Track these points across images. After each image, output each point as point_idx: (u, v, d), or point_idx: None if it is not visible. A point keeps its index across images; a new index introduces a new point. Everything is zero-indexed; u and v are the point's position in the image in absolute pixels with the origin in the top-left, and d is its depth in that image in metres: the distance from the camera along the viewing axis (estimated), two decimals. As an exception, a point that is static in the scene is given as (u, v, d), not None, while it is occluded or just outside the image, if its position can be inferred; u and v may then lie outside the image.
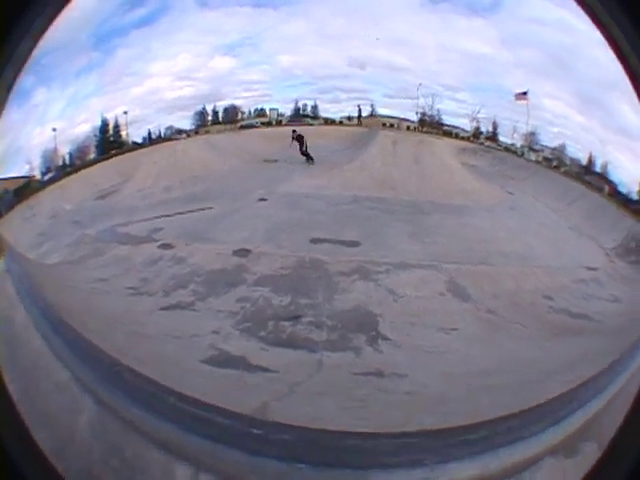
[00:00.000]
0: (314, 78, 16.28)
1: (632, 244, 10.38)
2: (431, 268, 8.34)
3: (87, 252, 9.14)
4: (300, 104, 16.89)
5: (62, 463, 2.72)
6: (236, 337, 6.21)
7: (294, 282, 7.74)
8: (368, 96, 16.71)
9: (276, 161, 15.73)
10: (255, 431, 3.48)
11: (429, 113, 16.14)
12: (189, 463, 3.22)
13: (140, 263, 8.51)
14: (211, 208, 11.37)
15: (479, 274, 8.34)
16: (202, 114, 16.31)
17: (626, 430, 2.45)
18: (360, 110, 16.93)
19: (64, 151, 12.70)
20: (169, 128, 15.46)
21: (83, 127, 13.40)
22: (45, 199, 11.57)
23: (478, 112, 15.71)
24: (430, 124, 16.29)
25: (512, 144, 15.71)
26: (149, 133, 14.99)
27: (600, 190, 12.46)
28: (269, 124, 17.07)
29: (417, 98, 15.66)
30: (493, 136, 16.03)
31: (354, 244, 9.29)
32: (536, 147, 15.11)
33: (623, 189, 11.75)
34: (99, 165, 13.65)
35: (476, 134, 16.26)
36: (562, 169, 14.20)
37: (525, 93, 14.10)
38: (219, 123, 16.65)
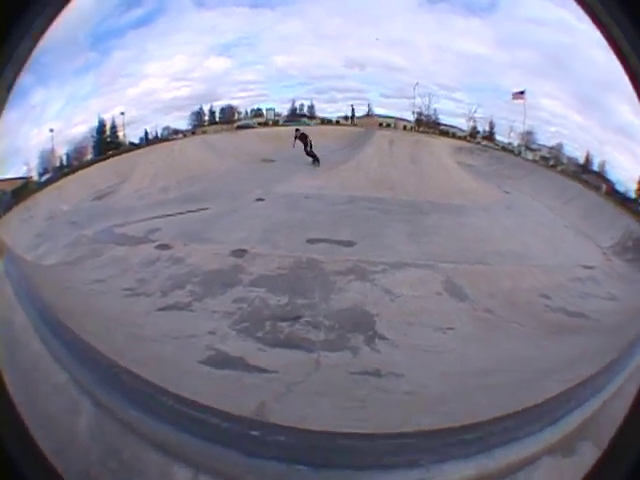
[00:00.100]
0: (310, 78, 16.33)
1: (629, 242, 10.40)
2: (428, 268, 8.36)
3: (84, 253, 9.14)
4: (297, 104, 16.93)
5: (62, 463, 2.72)
6: (233, 338, 6.21)
7: (291, 282, 7.75)
8: (365, 96, 16.79)
9: (273, 161, 15.73)
10: (253, 433, 3.49)
11: (426, 113, 16.17)
12: (187, 464, 3.22)
13: (137, 264, 8.51)
14: (208, 208, 11.38)
15: (476, 273, 8.36)
16: (199, 114, 16.34)
17: (626, 430, 2.45)
18: (353, 110, 16.97)
19: (61, 152, 12.72)
20: (166, 128, 15.48)
21: (80, 128, 13.42)
22: (42, 200, 11.55)
23: (475, 112, 15.76)
24: (427, 124, 16.31)
25: (509, 143, 15.76)
26: (146, 133, 15.00)
27: (597, 189, 12.49)
28: (266, 124, 17.08)
29: (414, 98, 15.70)
30: (490, 135, 16.08)
31: (351, 244, 9.30)
32: (533, 146, 15.15)
33: (620, 188, 11.78)
34: (96, 166, 13.66)
35: (473, 133, 16.30)
36: (559, 168, 14.22)
37: (522, 93, 14.13)
38: (216, 123, 16.67)
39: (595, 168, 12.77)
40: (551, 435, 3.47)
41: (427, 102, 15.85)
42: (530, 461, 3.29)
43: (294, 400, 4.69)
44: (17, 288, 5.05)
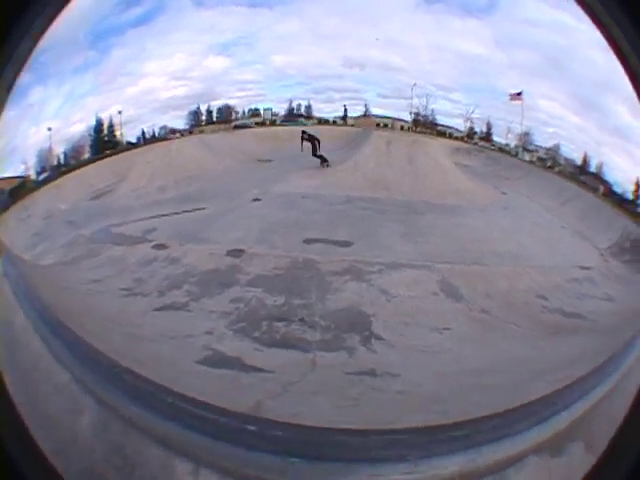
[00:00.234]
0: (308, 78, 16.25)
1: (626, 244, 10.42)
2: (424, 268, 8.37)
3: (82, 253, 9.14)
4: (294, 104, 16.91)
5: (62, 463, 2.74)
6: (230, 337, 6.23)
7: (287, 282, 7.76)
8: (362, 96, 16.73)
9: (270, 161, 15.72)
10: (250, 428, 3.52)
11: (423, 113, 16.15)
12: (188, 458, 3.25)
13: (134, 264, 8.52)
14: (205, 208, 11.38)
15: (472, 274, 8.38)
16: (196, 114, 16.27)
17: (625, 430, 2.47)
18: (346, 110, 16.95)
19: (59, 151, 12.68)
20: (163, 128, 15.41)
21: (78, 126, 13.37)
22: (40, 199, 11.52)
23: (472, 112, 15.74)
24: (424, 124, 16.29)
25: (506, 144, 15.74)
26: (143, 133, 14.94)
27: (595, 190, 12.49)
28: (263, 124, 17.07)
29: (411, 98, 15.68)
30: (487, 136, 16.06)
31: (347, 244, 9.31)
32: (530, 147, 15.13)
33: (618, 189, 11.79)
34: (94, 165, 13.60)
35: (470, 134, 16.28)
36: (556, 169, 14.22)
37: (519, 93, 14.12)
38: (213, 123, 16.62)
39: (593, 169, 12.76)
40: (539, 434, 3.49)
41: (425, 102, 15.84)
42: (518, 459, 3.31)
43: (290, 399, 4.70)
44: (15, 288, 5.07)
